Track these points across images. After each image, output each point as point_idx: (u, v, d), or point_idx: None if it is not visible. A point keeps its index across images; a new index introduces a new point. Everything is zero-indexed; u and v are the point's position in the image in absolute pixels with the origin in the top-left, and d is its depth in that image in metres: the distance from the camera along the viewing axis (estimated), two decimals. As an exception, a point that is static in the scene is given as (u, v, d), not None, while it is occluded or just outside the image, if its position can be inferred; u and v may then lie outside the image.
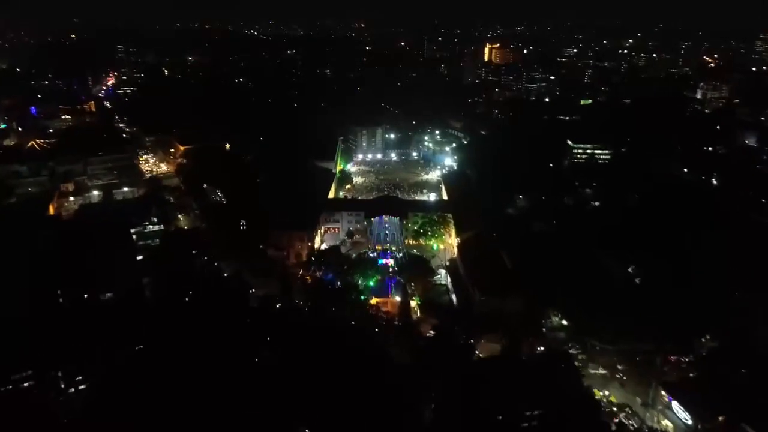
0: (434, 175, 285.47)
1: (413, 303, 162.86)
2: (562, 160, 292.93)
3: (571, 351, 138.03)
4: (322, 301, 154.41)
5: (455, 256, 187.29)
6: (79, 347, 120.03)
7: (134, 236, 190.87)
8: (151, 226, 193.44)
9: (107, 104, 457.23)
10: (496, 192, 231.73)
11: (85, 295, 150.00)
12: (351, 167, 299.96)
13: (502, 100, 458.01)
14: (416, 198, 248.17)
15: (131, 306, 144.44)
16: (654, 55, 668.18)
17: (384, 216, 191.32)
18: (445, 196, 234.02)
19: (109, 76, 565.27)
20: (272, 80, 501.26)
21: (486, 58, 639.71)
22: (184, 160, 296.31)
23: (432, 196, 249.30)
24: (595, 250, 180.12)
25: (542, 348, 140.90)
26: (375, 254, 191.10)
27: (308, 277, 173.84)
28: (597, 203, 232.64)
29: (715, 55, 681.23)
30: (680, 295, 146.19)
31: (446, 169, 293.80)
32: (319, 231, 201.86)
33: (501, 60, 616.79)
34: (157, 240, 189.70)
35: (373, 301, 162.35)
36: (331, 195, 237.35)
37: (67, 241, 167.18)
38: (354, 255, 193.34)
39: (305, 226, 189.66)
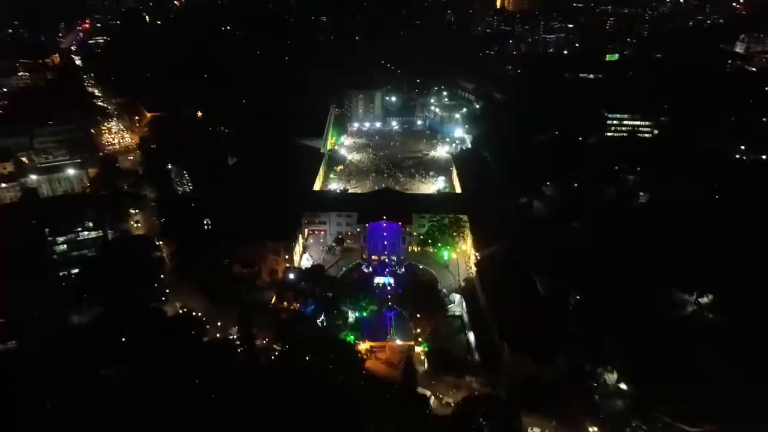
0: (443, 152, 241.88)
1: (419, 349, 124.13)
2: (593, 132, 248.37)
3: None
4: (295, 347, 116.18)
5: (472, 273, 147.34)
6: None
7: (64, 245, 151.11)
8: (85, 233, 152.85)
9: (76, 58, 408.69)
10: (518, 178, 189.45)
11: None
12: (345, 139, 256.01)
13: (517, 54, 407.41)
14: (422, 185, 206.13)
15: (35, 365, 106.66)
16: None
17: (382, 222, 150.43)
18: (457, 186, 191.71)
19: (85, 23, 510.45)
20: (263, 24, 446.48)
21: (498, 4, 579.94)
22: (149, 132, 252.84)
23: (441, 182, 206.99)
24: (652, 269, 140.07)
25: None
26: (370, 269, 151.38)
27: (282, 307, 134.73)
28: (644, 195, 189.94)
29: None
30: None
31: (457, 143, 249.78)
32: (300, 236, 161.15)
33: (515, 7, 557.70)
34: (94, 251, 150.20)
35: (366, 345, 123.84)
36: (318, 183, 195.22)
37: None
38: (343, 268, 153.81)
39: (282, 234, 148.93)
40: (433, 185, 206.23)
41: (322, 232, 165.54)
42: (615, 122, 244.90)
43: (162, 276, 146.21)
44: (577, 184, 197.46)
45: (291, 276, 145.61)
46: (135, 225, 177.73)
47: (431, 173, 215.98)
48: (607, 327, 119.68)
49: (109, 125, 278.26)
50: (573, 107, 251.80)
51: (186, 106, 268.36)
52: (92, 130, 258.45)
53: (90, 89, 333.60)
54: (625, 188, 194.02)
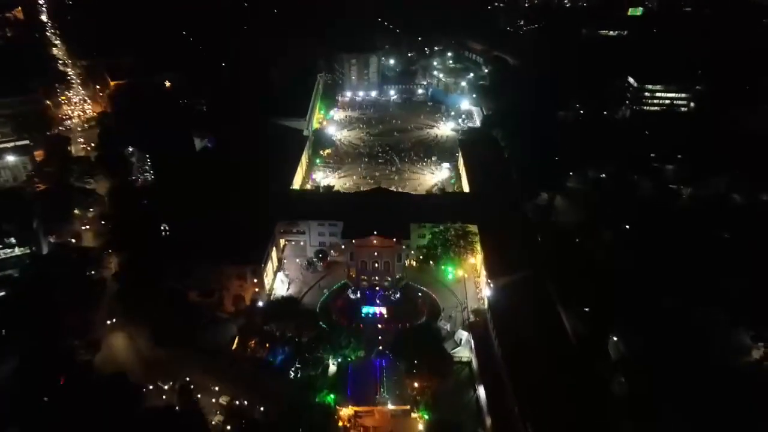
0: (447, 129, 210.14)
1: (416, 415, 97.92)
2: (620, 106, 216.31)
3: None
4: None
5: (483, 302, 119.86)
6: None
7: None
8: (6, 250, 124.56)
9: (41, 12, 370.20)
10: (536, 168, 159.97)
11: None
12: (335, 113, 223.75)
13: (530, 5, 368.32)
14: (422, 176, 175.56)
15: None
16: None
17: (373, 239, 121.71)
18: (464, 179, 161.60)
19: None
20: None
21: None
22: (110, 105, 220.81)
23: (445, 171, 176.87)
24: (705, 298, 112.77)
25: None
26: (358, 294, 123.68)
27: (246, 353, 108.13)
28: (684, 189, 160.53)
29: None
30: None
31: (463, 118, 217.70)
32: (275, 249, 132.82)
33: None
34: (18, 273, 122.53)
35: (349, 410, 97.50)
36: (299, 174, 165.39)
37: None
38: (325, 291, 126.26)
39: (250, 254, 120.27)
40: (436, 175, 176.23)
41: (302, 242, 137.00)
42: (646, 94, 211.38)
43: (102, 305, 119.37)
44: (605, 174, 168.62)
45: (260, 304, 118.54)
46: (83, 229, 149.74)
47: (434, 158, 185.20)
48: (660, 387, 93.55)
49: (70, 94, 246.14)
50: (596, 74, 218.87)
51: (157, 72, 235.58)
52: (48, 101, 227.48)
53: (53, 50, 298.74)
54: (662, 181, 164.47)
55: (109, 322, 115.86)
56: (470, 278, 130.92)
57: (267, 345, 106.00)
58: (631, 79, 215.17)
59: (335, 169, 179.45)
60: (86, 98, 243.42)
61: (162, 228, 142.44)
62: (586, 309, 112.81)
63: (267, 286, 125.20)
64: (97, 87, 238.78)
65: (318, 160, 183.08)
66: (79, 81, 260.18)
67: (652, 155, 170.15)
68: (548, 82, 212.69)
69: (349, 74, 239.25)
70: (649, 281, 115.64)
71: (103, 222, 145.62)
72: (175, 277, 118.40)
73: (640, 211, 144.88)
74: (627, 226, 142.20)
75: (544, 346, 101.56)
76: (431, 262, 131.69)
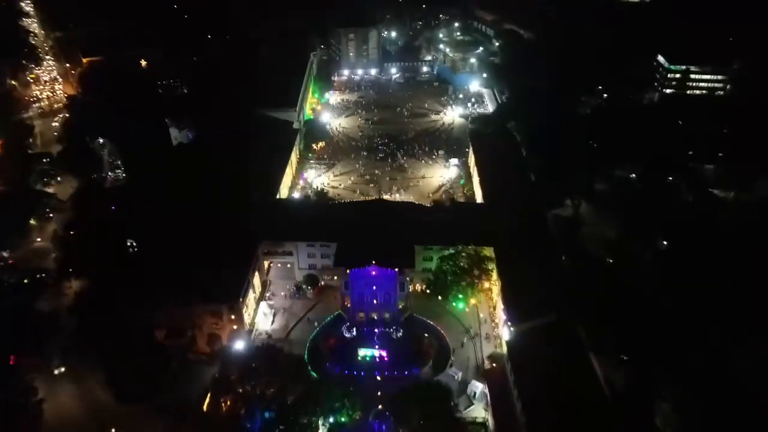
0: (455, 115, 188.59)
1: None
2: (647, 88, 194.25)
3: None
4: None
5: (501, 345, 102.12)
6: None
7: None
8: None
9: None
10: (557, 166, 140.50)
11: None
12: (331, 96, 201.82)
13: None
14: (428, 176, 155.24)
15: None
16: None
17: (370, 269, 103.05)
18: (476, 184, 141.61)
19: None
20: None
21: None
22: (80, 87, 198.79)
23: (453, 169, 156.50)
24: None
25: None
26: (353, 332, 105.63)
27: (220, 412, 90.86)
28: (724, 193, 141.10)
29: None
30: None
31: (473, 102, 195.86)
32: (257, 272, 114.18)
33: None
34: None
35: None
36: (288, 174, 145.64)
37: None
38: (316, 325, 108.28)
39: (226, 289, 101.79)
40: (444, 173, 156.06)
41: (288, 265, 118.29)
42: (678, 75, 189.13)
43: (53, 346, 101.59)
44: (635, 175, 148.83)
45: (238, 346, 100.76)
46: (37, 242, 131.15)
47: (440, 152, 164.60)
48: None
49: (39, 72, 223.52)
50: (620, 51, 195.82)
51: (135, 47, 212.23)
52: (13, 81, 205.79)
53: (24, 20, 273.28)
54: (701, 183, 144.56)
55: (57, 372, 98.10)
56: (485, 305, 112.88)
57: (244, 406, 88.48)
58: (660, 58, 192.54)
59: (330, 166, 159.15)
60: (58, 77, 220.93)
61: (129, 244, 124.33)
62: (625, 357, 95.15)
63: (248, 320, 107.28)
64: (67, 66, 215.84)
65: (310, 156, 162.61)
66: (51, 56, 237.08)
67: (690, 153, 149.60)
68: (567, 60, 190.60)
69: (346, 50, 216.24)
70: (696, 318, 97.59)
71: (61, 236, 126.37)
72: (139, 314, 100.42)
73: (679, 223, 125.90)
74: (665, 242, 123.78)
75: (573, 402, 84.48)
76: (440, 297, 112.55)
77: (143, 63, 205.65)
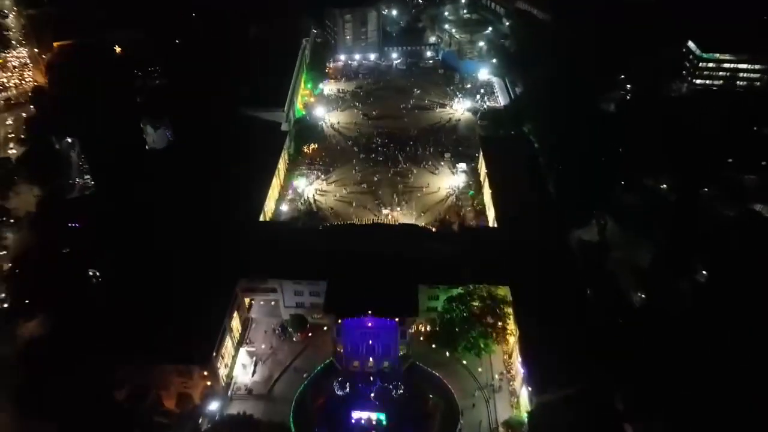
0: (463, 108, 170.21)
1: None
2: (675, 79, 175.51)
3: None
4: None
5: (517, 405, 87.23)
6: None
7: None
8: None
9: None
10: (578, 176, 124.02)
11: None
12: (325, 86, 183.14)
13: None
14: (432, 187, 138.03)
15: None
16: None
17: (366, 319, 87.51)
18: (487, 197, 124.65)
19: None
20: None
21: None
22: (48, 76, 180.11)
23: (461, 176, 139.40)
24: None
25: None
26: (347, 389, 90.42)
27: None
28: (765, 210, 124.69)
29: None
30: None
31: (482, 94, 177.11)
32: (237, 312, 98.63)
33: None
34: None
35: None
36: (275, 186, 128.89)
37: None
38: (305, 377, 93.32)
39: (197, 343, 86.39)
40: (450, 180, 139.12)
41: (272, 302, 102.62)
42: (710, 65, 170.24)
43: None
44: (665, 186, 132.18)
45: (212, 407, 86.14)
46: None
47: (447, 155, 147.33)
48: None
49: (7, 56, 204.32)
50: (645, 35, 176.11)
51: (114, 28, 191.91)
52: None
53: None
54: (741, 194, 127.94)
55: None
56: (499, 349, 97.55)
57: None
58: (691, 44, 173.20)
59: (323, 171, 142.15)
60: (29, 61, 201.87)
61: (92, 274, 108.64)
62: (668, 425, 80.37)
63: (225, 372, 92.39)
64: (36, 50, 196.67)
65: (301, 158, 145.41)
66: (21, 38, 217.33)
67: (729, 160, 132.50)
68: (587, 46, 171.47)
69: (342, 33, 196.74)
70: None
71: (11, 267, 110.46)
72: (96, 371, 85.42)
73: (720, 247, 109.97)
74: (705, 272, 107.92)
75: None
76: (447, 353, 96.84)
77: (118, 49, 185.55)
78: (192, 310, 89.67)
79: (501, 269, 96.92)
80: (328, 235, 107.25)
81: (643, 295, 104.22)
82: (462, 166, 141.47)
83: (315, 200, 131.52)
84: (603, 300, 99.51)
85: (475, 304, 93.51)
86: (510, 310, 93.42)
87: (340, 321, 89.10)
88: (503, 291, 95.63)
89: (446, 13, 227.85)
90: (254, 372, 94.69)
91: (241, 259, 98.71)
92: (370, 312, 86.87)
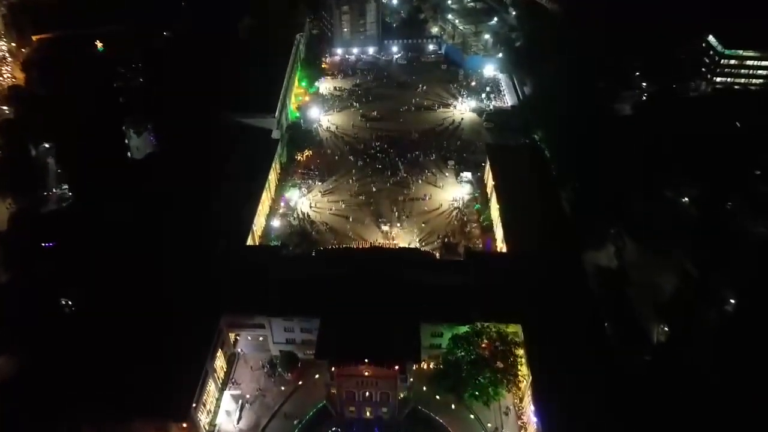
0: (467, 108, 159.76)
1: None
2: (694, 77, 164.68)
3: None
4: None
5: (531, 461, 78.87)
6: None
7: None
8: None
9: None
10: (592, 188, 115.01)
11: None
12: (321, 83, 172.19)
13: None
14: (435, 195, 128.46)
15: None
16: None
17: (364, 369, 78.51)
18: (495, 216, 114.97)
19: None
20: None
21: None
22: (27, 71, 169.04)
23: (466, 186, 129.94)
24: None
25: None
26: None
27: None
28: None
29: None
30: None
31: (488, 92, 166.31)
32: (221, 349, 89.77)
33: None
34: None
35: None
36: (265, 201, 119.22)
37: None
38: (296, 423, 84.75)
39: (175, 394, 77.61)
40: (456, 190, 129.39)
41: (260, 338, 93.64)
42: (732, 62, 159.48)
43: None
44: (688, 199, 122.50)
45: (193, 463, 77.80)
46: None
47: (451, 163, 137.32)
48: None
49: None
50: (662, 28, 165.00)
51: (99, 22, 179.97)
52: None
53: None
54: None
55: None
56: (513, 395, 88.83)
57: None
58: (712, 39, 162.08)
59: (317, 179, 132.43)
60: (7, 57, 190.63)
61: (64, 303, 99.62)
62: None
63: (207, 420, 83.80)
64: (12, 45, 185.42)
65: (293, 168, 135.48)
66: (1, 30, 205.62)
67: (757, 172, 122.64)
68: (599, 41, 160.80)
69: (339, 26, 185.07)
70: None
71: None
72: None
73: (751, 271, 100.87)
74: (734, 301, 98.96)
75: None
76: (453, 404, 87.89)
77: (99, 45, 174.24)
78: (170, 350, 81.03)
79: (511, 303, 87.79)
80: (321, 262, 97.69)
81: (666, 328, 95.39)
82: (467, 175, 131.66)
83: (308, 215, 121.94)
84: (624, 337, 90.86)
85: (484, 345, 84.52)
86: (521, 352, 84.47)
87: (333, 369, 79.88)
88: (514, 328, 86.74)
89: (449, 2, 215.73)
90: (240, 418, 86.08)
91: (225, 291, 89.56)
92: (366, 361, 77.69)
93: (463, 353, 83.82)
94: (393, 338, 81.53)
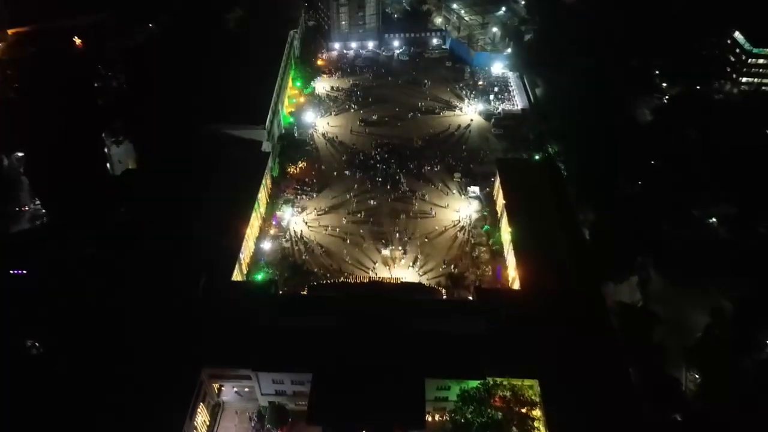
0: (473, 112, 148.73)
1: None
2: (718, 77, 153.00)
3: None
4: None
5: None
6: None
7: None
8: None
9: None
10: (611, 210, 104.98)
11: None
12: (318, 83, 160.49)
13: None
14: (439, 213, 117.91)
15: None
16: None
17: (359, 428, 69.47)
18: (505, 241, 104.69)
19: None
20: None
21: None
22: (2, 67, 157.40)
23: (474, 204, 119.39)
24: None
25: None
26: None
27: None
28: None
29: None
30: None
31: (496, 94, 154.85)
32: (202, 399, 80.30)
33: None
34: None
35: None
36: (255, 222, 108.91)
37: None
38: (285, 491, 75.69)
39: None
40: (463, 205, 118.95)
41: (246, 389, 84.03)
42: (761, 61, 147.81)
43: None
44: (716, 219, 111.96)
45: None
46: None
47: (457, 176, 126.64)
48: None
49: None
50: (685, 24, 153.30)
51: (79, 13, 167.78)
52: None
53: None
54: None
55: None
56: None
57: None
58: (738, 36, 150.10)
59: (313, 189, 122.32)
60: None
61: (30, 345, 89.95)
62: None
63: (186, 484, 74.68)
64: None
65: (287, 179, 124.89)
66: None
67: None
68: (620, 39, 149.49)
69: (337, 19, 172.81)
70: None
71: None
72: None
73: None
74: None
75: None
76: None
77: (78, 41, 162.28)
78: (144, 408, 71.59)
79: (527, 354, 77.99)
80: (314, 303, 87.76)
81: (697, 376, 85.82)
82: (475, 190, 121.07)
83: (302, 236, 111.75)
84: (650, 386, 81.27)
85: (497, 403, 74.97)
86: (538, 413, 74.92)
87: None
88: (530, 382, 77.13)
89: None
90: (223, 483, 77.07)
91: (206, 339, 79.75)
92: (364, 431, 68.26)
93: (472, 416, 74.14)
94: (394, 399, 71.97)
